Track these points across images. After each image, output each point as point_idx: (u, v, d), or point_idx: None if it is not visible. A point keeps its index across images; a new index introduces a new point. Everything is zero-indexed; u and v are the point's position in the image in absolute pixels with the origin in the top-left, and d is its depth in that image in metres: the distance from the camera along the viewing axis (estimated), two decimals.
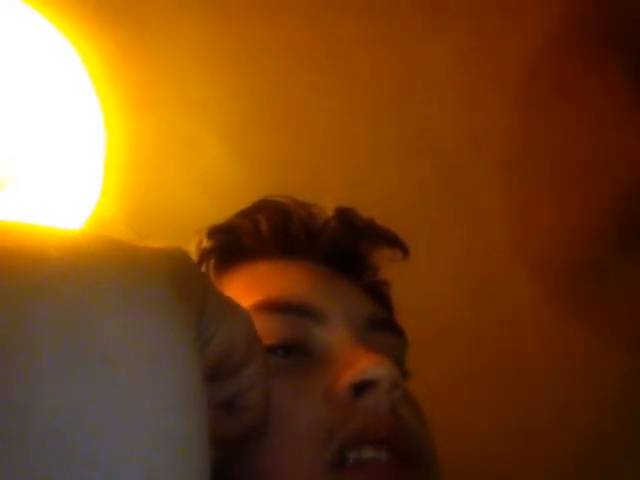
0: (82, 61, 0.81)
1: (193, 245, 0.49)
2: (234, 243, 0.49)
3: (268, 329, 0.40)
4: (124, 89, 0.87)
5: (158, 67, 0.88)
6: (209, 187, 0.92)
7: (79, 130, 0.81)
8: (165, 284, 0.27)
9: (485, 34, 0.91)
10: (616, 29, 0.91)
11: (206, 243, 0.49)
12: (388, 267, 0.53)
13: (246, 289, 0.44)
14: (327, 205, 0.51)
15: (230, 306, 0.34)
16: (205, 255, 0.48)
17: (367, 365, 0.39)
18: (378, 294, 0.50)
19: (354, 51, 0.91)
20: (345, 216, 0.50)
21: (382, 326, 0.45)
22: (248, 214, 0.50)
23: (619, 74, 0.92)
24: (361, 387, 0.39)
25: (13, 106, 0.77)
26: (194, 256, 0.48)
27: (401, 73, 0.92)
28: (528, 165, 0.97)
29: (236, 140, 0.93)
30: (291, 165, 0.93)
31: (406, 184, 0.96)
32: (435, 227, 0.97)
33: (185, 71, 0.89)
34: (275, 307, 0.42)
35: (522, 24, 0.90)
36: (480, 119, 0.94)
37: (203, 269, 0.48)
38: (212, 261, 0.48)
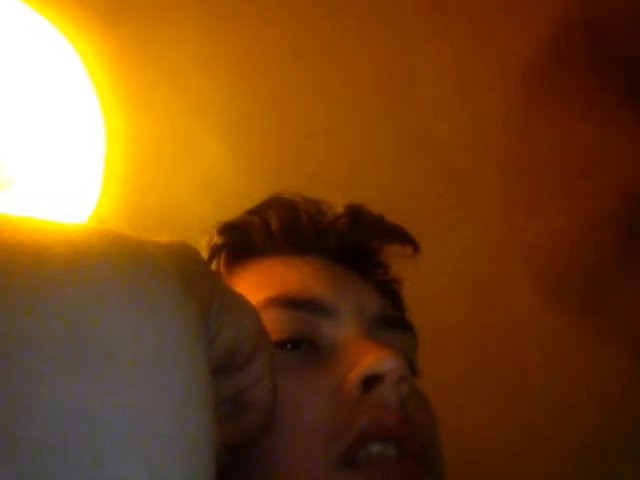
0: (82, 61, 0.81)
1: (204, 242, 0.49)
2: (244, 240, 0.49)
3: (278, 324, 0.40)
4: (124, 89, 0.87)
5: (158, 67, 0.88)
6: (209, 187, 0.92)
7: (79, 130, 0.81)
8: (172, 279, 0.27)
9: (485, 34, 0.91)
10: (616, 30, 0.91)
11: (217, 239, 0.49)
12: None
13: (257, 285, 0.44)
14: (336, 202, 0.50)
15: (237, 302, 0.34)
16: (216, 251, 0.48)
17: (374, 359, 0.38)
18: (389, 291, 0.50)
19: (354, 51, 0.91)
20: (354, 213, 0.50)
21: (392, 323, 0.45)
22: (258, 211, 0.50)
23: (619, 76, 0.92)
24: (370, 381, 0.38)
25: (13, 106, 0.77)
26: (205, 253, 0.48)
27: (401, 73, 0.92)
28: (528, 165, 0.97)
29: (236, 140, 0.92)
30: (291, 165, 0.93)
31: (406, 184, 0.96)
32: (435, 227, 0.96)
33: (185, 71, 0.89)
34: (286, 303, 0.42)
35: (522, 24, 0.90)
36: (480, 119, 0.94)
37: (214, 265, 0.48)
38: (223, 257, 0.48)
